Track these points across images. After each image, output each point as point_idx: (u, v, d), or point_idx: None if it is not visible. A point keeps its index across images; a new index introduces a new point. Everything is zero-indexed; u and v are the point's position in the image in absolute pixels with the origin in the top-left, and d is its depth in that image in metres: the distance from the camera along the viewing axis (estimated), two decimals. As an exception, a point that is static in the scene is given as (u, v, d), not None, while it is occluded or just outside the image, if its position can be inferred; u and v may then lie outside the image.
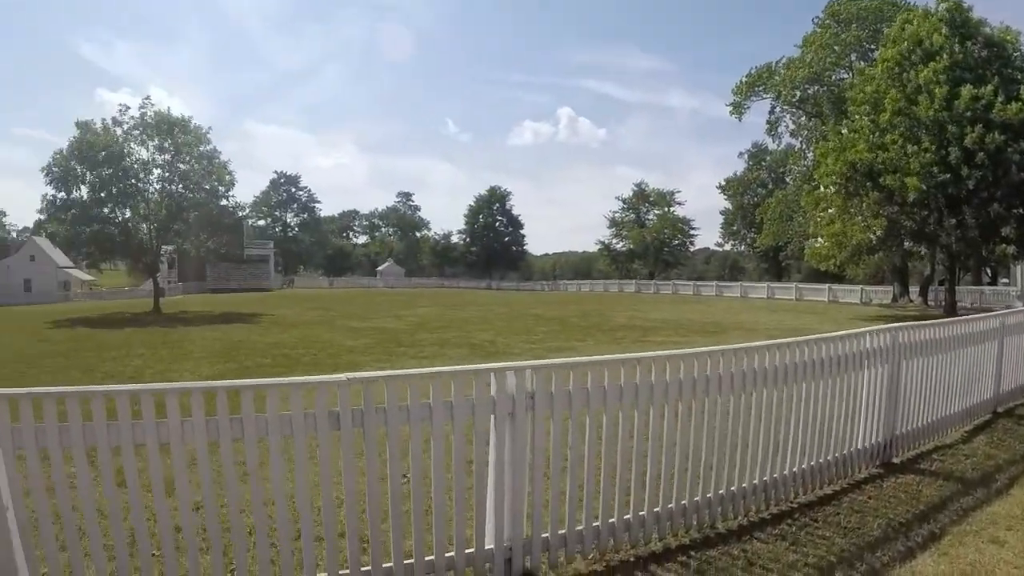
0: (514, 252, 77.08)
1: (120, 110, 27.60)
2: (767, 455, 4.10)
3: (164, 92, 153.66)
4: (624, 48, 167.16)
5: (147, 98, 32.84)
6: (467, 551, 3.14)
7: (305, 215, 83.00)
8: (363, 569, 2.93)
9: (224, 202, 30.21)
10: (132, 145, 27.25)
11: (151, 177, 27.88)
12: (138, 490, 2.62)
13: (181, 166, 27.78)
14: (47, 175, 26.31)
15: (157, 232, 28.46)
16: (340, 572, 2.90)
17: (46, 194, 26.85)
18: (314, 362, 11.19)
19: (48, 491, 2.53)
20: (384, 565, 2.98)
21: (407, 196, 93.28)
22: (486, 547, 3.18)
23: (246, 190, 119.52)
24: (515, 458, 3.14)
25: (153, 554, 2.73)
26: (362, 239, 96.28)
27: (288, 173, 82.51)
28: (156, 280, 30.16)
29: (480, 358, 10.50)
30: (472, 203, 76.15)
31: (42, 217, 28.46)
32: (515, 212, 77.20)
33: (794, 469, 4.29)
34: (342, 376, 2.85)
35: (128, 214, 28.11)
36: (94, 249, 29.22)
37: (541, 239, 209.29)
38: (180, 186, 27.94)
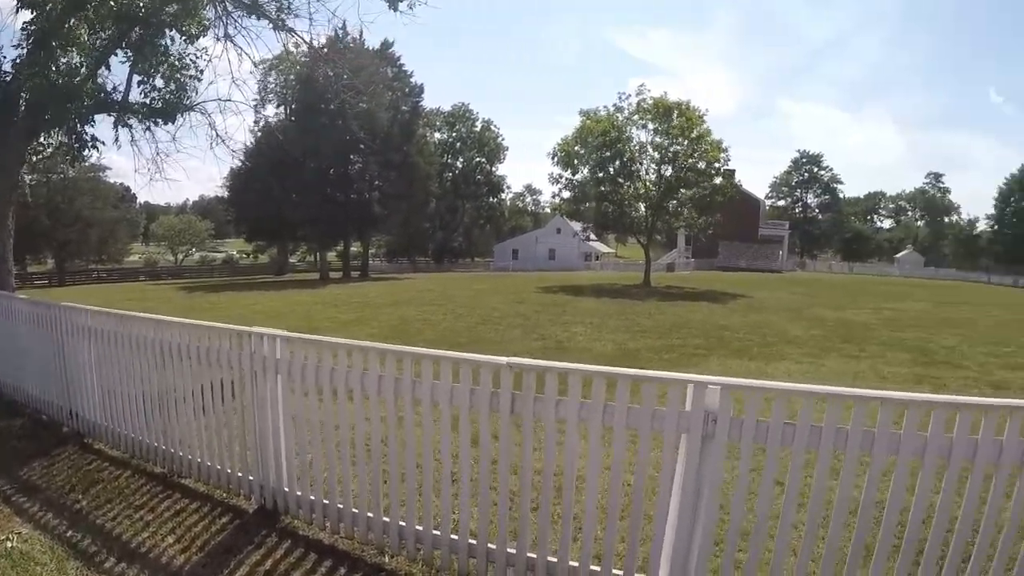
0: (1051, 245, 59.76)
1: (619, 97, 30.20)
2: None
3: (697, 78, 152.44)
4: None
5: (642, 85, 36.64)
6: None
7: (826, 196, 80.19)
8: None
9: (717, 181, 29.75)
10: (633, 130, 29.04)
11: (645, 158, 29.37)
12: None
13: (675, 148, 28.55)
14: (553, 158, 29.70)
15: (651, 211, 29.71)
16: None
17: (551, 173, 30.29)
18: (740, 348, 10.85)
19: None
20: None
21: (937, 177, 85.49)
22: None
23: (773, 170, 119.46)
24: (685, 488, 2.74)
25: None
26: (886, 223, 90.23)
27: (810, 152, 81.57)
28: (648, 255, 31.88)
29: (921, 366, 9.43)
30: (1003, 185, 63.37)
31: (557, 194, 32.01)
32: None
33: None
34: (502, 360, 2.95)
35: (628, 192, 29.96)
36: (592, 224, 32.39)
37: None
38: (671, 167, 28.87)
